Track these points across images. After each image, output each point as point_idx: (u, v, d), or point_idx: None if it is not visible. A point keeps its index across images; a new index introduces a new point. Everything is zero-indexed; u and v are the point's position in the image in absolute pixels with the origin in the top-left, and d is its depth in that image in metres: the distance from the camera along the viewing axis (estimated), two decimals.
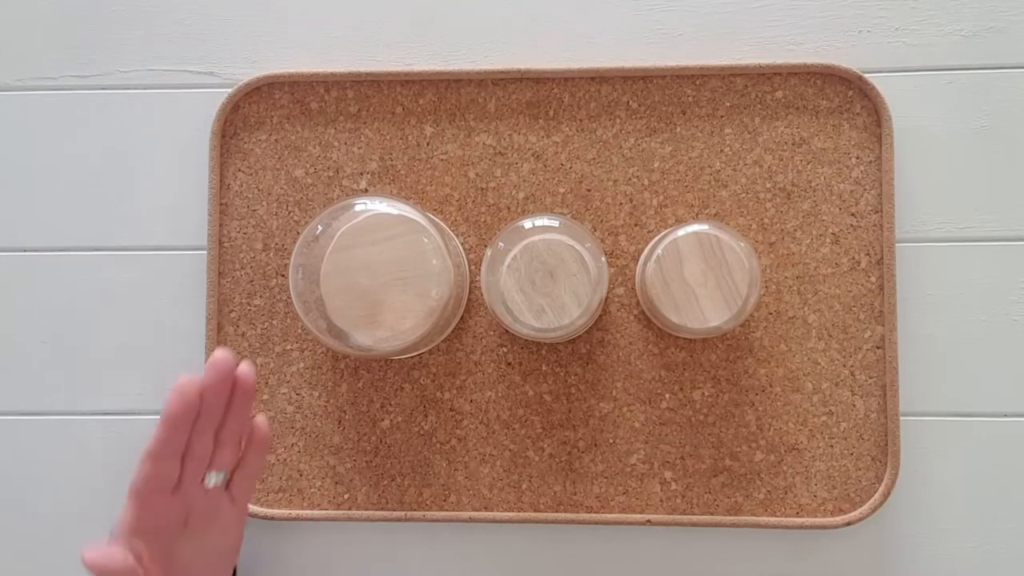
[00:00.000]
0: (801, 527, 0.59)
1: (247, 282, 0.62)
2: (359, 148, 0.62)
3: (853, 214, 0.60)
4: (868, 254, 0.60)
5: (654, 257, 0.54)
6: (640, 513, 0.60)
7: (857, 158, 0.60)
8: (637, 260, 0.60)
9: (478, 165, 0.62)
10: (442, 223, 0.60)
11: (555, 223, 0.55)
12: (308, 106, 0.63)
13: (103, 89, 0.65)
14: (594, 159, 0.61)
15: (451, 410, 0.61)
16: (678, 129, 0.61)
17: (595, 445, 0.60)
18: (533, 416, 0.61)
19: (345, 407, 0.62)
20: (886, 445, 0.59)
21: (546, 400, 0.61)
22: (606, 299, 0.60)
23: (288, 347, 0.62)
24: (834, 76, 0.61)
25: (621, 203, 0.61)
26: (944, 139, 0.61)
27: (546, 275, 0.53)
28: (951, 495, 0.60)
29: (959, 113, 0.61)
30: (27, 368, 0.64)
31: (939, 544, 0.60)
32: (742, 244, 0.55)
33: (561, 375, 0.61)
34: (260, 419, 0.53)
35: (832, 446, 0.60)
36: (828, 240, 0.60)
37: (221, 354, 0.49)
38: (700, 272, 0.54)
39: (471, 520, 0.60)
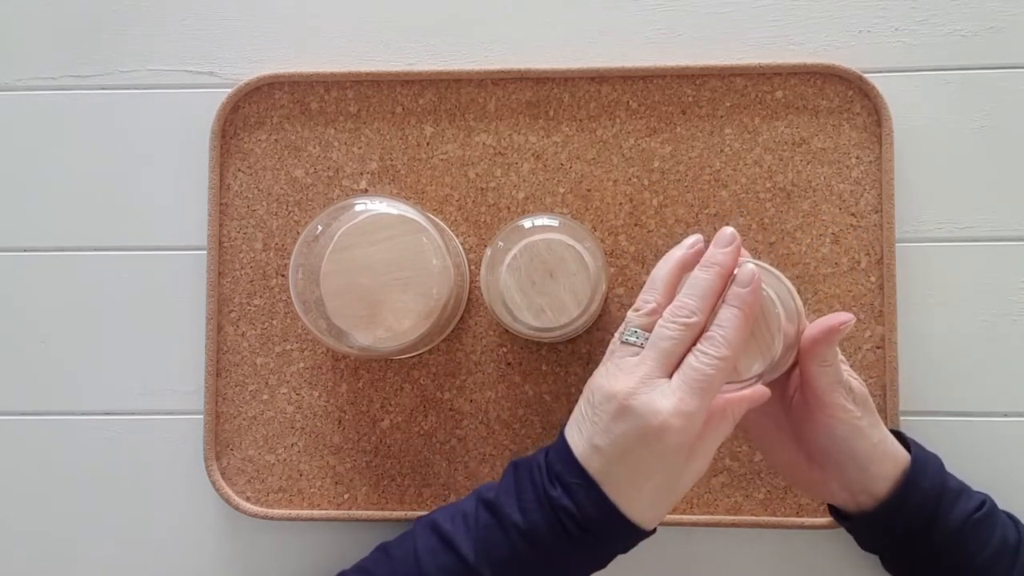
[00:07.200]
0: (801, 527, 0.59)
1: (247, 282, 0.62)
2: (359, 148, 0.62)
3: (853, 214, 0.60)
4: (868, 254, 0.60)
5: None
6: None
7: (857, 158, 0.60)
8: (637, 260, 0.60)
9: (478, 165, 0.62)
10: (442, 223, 0.60)
11: (555, 223, 0.55)
12: (308, 106, 0.63)
13: (103, 89, 0.65)
14: (594, 159, 0.61)
15: (451, 410, 0.61)
16: (678, 129, 0.61)
17: None
18: (533, 416, 0.61)
19: (345, 407, 0.62)
20: None
21: (546, 400, 0.61)
22: (606, 299, 0.60)
23: (288, 347, 0.62)
24: (834, 76, 0.61)
25: (621, 203, 0.61)
26: (944, 139, 0.61)
27: (546, 275, 0.53)
28: None
29: (959, 113, 0.61)
30: (27, 368, 0.64)
31: None
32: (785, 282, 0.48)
33: (561, 375, 0.61)
34: None
35: None
36: (828, 240, 0.60)
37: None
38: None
39: None
